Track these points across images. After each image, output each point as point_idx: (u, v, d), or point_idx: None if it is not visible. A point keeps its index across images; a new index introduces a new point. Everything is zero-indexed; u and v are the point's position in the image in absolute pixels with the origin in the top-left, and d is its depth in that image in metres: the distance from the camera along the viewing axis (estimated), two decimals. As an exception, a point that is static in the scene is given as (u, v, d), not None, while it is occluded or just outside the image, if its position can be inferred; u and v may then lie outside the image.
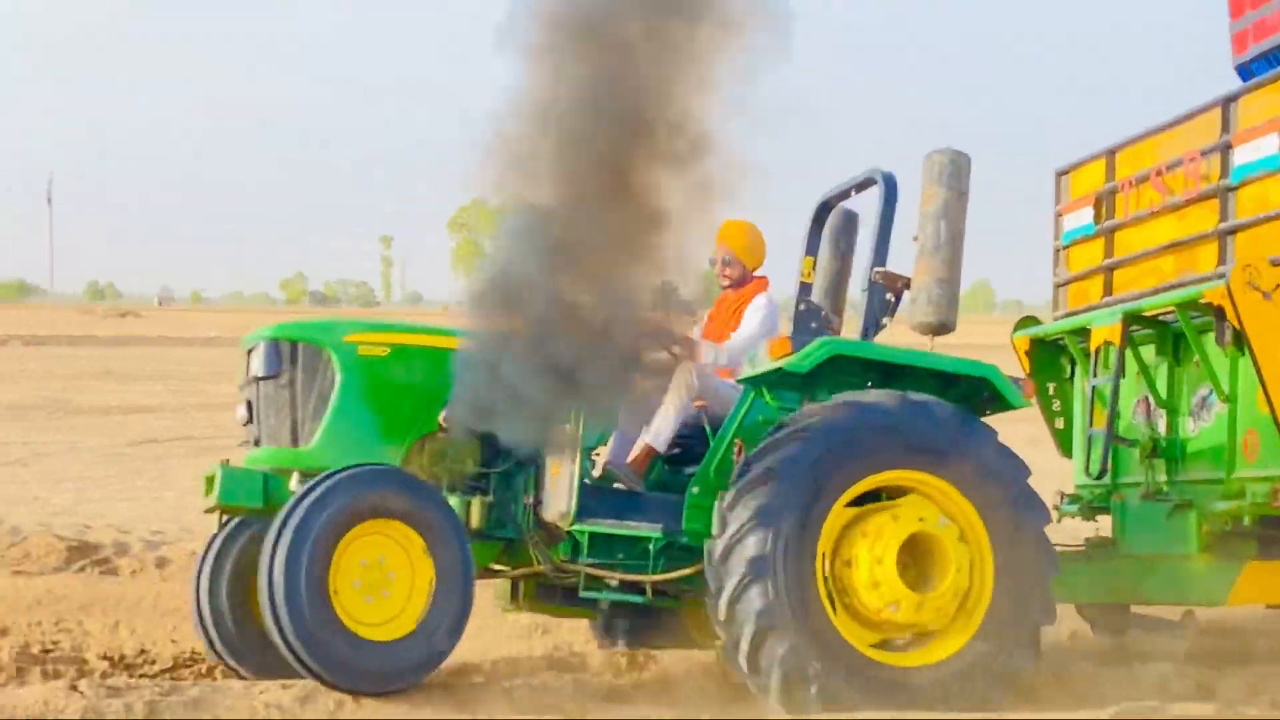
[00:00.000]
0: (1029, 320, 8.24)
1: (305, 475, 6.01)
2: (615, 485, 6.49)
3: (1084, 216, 7.94)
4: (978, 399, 6.33)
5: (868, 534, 5.93)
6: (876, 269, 6.54)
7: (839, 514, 5.93)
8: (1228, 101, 6.89)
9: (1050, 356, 7.98)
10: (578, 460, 6.12)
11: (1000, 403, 6.32)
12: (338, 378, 6.21)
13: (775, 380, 6.33)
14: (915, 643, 6.01)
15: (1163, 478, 7.04)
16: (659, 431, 6.53)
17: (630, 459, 6.54)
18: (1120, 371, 6.98)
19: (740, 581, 5.74)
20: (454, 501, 6.12)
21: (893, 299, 6.55)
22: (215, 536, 6.69)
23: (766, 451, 5.91)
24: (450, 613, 5.78)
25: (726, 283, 7.05)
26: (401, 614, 5.74)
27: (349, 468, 5.80)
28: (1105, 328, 7.07)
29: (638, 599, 6.38)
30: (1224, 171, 6.83)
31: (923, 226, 6.48)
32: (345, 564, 5.67)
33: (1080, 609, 7.52)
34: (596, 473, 6.56)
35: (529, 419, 6.01)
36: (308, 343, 6.28)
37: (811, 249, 7.30)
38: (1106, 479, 7.17)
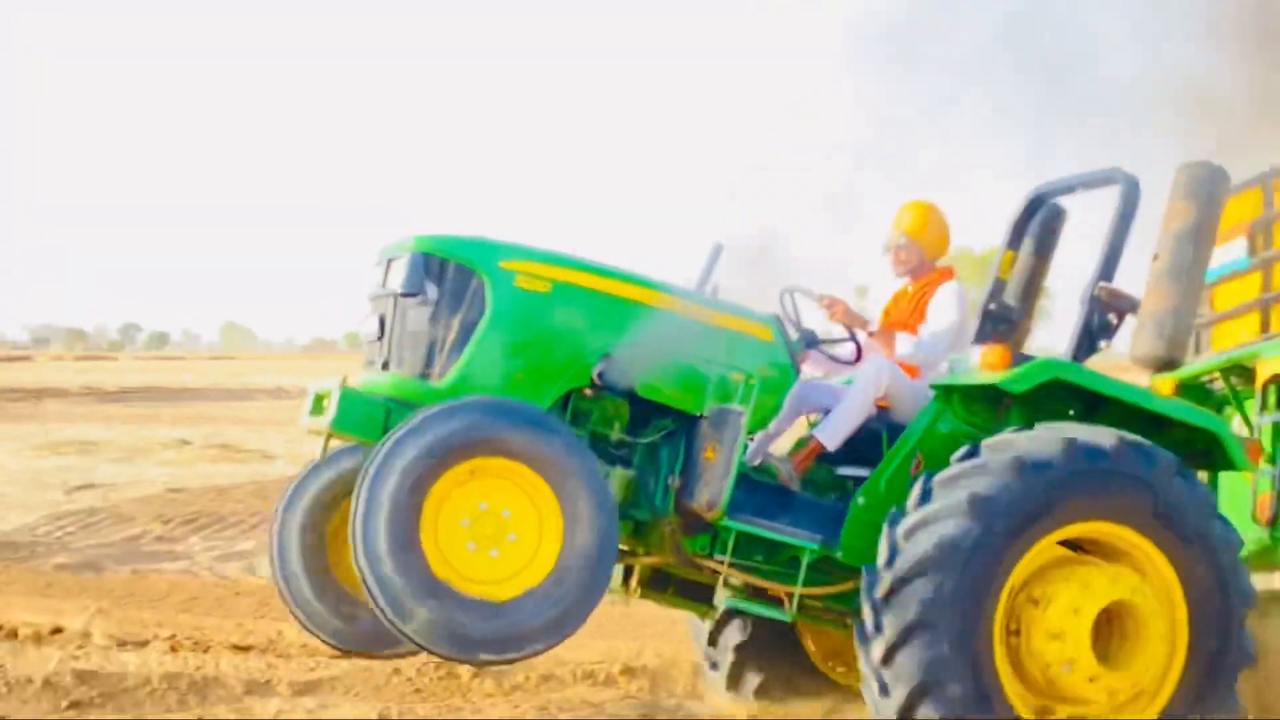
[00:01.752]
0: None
1: None
2: (769, 480, 5.72)
3: (1234, 250, 7.25)
4: (1189, 452, 5.60)
5: (1073, 580, 5.21)
6: (1102, 284, 5.79)
7: (1037, 554, 5.23)
8: None
9: (1198, 399, 7.23)
10: (738, 446, 5.29)
11: (1219, 462, 5.70)
12: (488, 308, 5.29)
13: (971, 392, 5.62)
14: None
15: None
16: (836, 429, 5.79)
17: (795, 455, 5.81)
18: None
19: (907, 627, 4.99)
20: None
21: (1115, 321, 5.81)
22: (310, 470, 5.88)
23: (958, 478, 5.16)
24: (585, 570, 4.85)
25: (901, 270, 6.33)
26: (525, 570, 4.84)
27: (462, 399, 4.93)
28: (1274, 358, 6.54)
29: (778, 615, 5.64)
30: None
31: (1165, 246, 5.77)
32: (450, 510, 4.79)
33: None
34: (756, 462, 5.79)
35: (696, 386, 5.37)
36: (460, 263, 5.33)
37: (1014, 243, 6.48)
38: (1277, 528, 6.46)
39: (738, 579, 5.72)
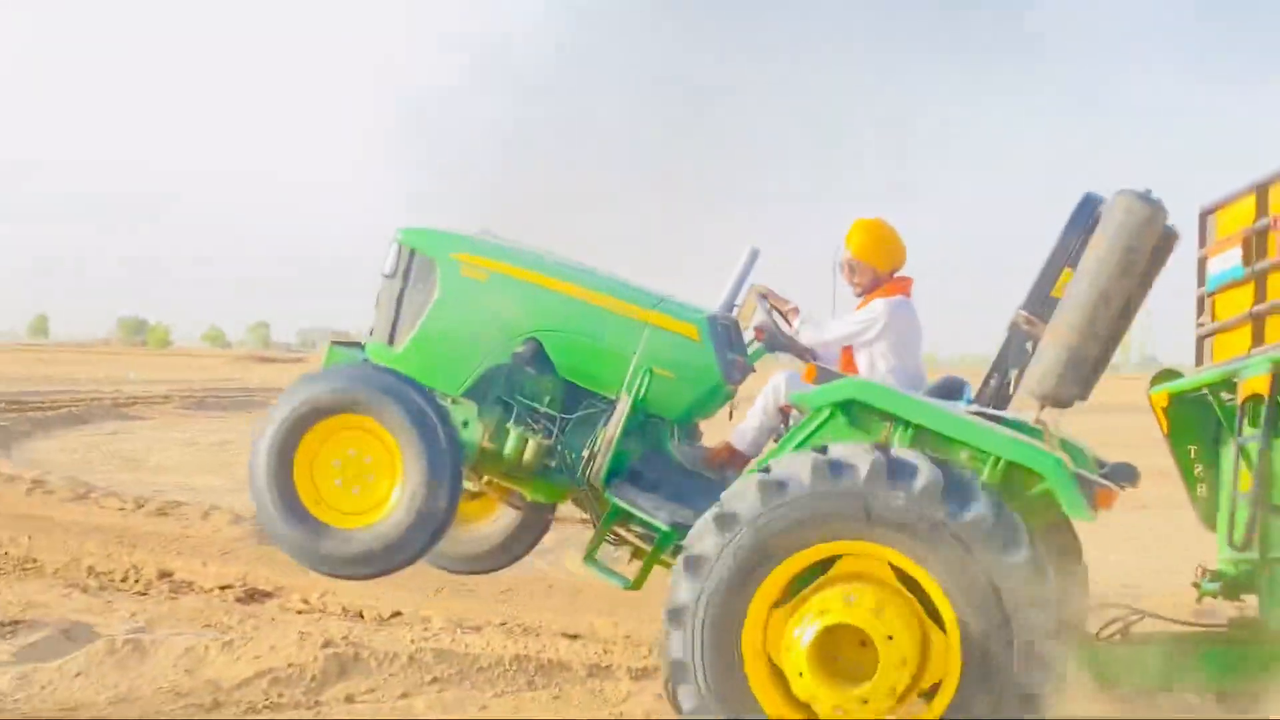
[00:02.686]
0: (1168, 374, 7.05)
1: None
2: (692, 467, 6.23)
3: (1232, 259, 6.79)
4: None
5: (813, 600, 5.38)
6: (1022, 310, 5.87)
7: (797, 568, 5.40)
8: None
9: (1193, 414, 6.78)
10: (621, 420, 6.02)
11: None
12: (437, 291, 6.32)
13: (850, 407, 5.72)
14: None
15: None
16: (743, 433, 6.25)
17: (712, 448, 6.30)
18: (1273, 428, 5.98)
19: (670, 613, 5.43)
20: (515, 432, 6.15)
21: (1031, 350, 5.81)
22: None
23: (732, 492, 5.46)
24: (416, 509, 5.83)
25: (857, 290, 6.52)
26: (377, 506, 5.90)
27: (309, 375, 6.09)
28: (1255, 378, 6.09)
29: (618, 581, 6.26)
30: None
31: (1075, 279, 5.70)
32: (327, 452, 5.94)
33: None
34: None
35: (613, 373, 6.07)
36: (421, 252, 6.40)
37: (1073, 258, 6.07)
38: (1253, 552, 6.08)
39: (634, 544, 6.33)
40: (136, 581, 10.17)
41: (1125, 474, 6.07)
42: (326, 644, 7.43)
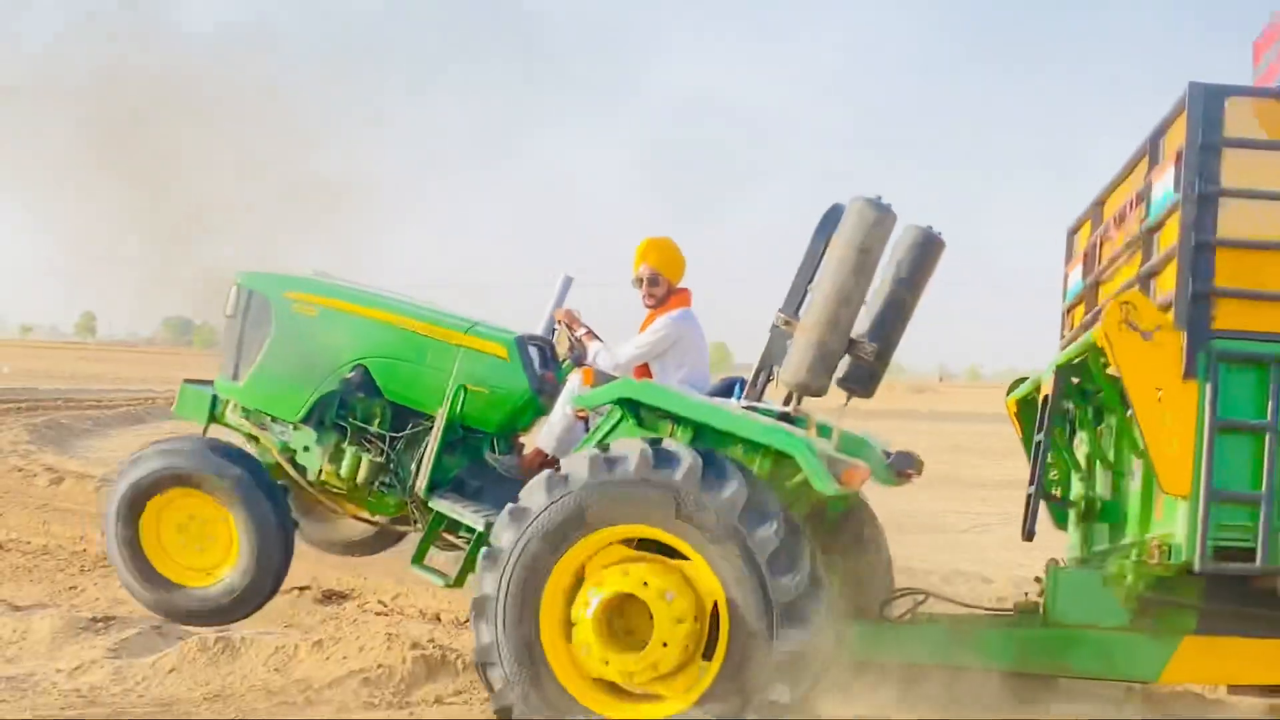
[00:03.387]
0: (1019, 381, 7.64)
1: (238, 407, 7.09)
2: (504, 473, 6.80)
3: (1076, 275, 7.46)
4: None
5: (591, 579, 5.93)
6: (780, 312, 6.37)
7: (586, 554, 5.93)
8: (1155, 137, 6.26)
9: (1029, 417, 7.33)
10: (438, 434, 6.64)
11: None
12: (273, 328, 6.99)
13: (640, 408, 6.23)
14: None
15: (1104, 544, 6.58)
16: (547, 434, 6.81)
17: (524, 456, 6.86)
18: (1053, 427, 6.59)
19: (474, 607, 6.01)
20: (350, 453, 6.78)
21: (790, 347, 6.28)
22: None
23: (527, 489, 6.01)
24: (257, 566, 6.73)
25: (652, 301, 7.04)
26: (222, 563, 6.83)
27: (156, 444, 6.94)
28: (1048, 382, 6.63)
29: (439, 580, 6.75)
30: (1146, 211, 6.22)
31: (818, 279, 6.22)
32: (170, 516, 6.86)
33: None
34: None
35: (433, 393, 6.74)
36: (259, 293, 7.07)
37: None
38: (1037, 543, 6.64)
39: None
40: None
41: (907, 461, 6.70)
42: (414, 645, 7.64)
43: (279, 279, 7.12)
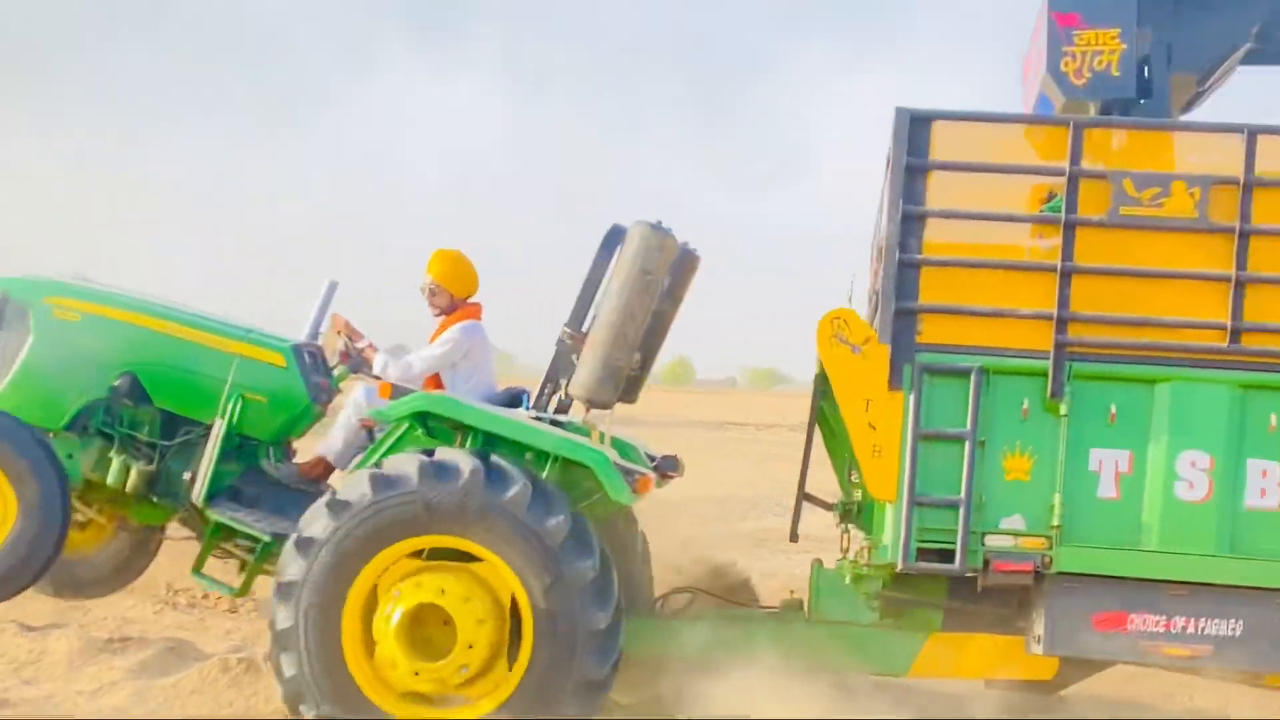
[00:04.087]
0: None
1: None
2: (284, 480, 6.88)
3: None
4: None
5: (391, 591, 6.06)
6: (566, 327, 6.68)
7: (382, 569, 6.07)
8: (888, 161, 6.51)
9: None
10: (217, 443, 6.58)
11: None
12: (30, 335, 6.77)
13: (428, 419, 6.44)
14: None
15: (864, 542, 6.87)
16: (329, 443, 6.93)
17: (304, 463, 6.97)
18: (817, 428, 6.92)
19: (275, 595, 6.08)
20: (118, 461, 6.66)
21: (576, 361, 6.58)
22: None
23: (346, 483, 6.14)
24: (34, 540, 6.34)
25: (436, 311, 7.25)
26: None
27: None
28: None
29: (226, 590, 6.83)
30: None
31: (603, 298, 6.53)
32: None
33: None
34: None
35: (207, 400, 6.65)
36: (15, 298, 6.84)
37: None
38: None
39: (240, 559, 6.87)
40: (220, 599, 9.85)
41: (670, 464, 7.02)
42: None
43: (37, 283, 6.89)
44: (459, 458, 6.06)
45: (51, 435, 6.69)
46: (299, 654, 6.01)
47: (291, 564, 6.04)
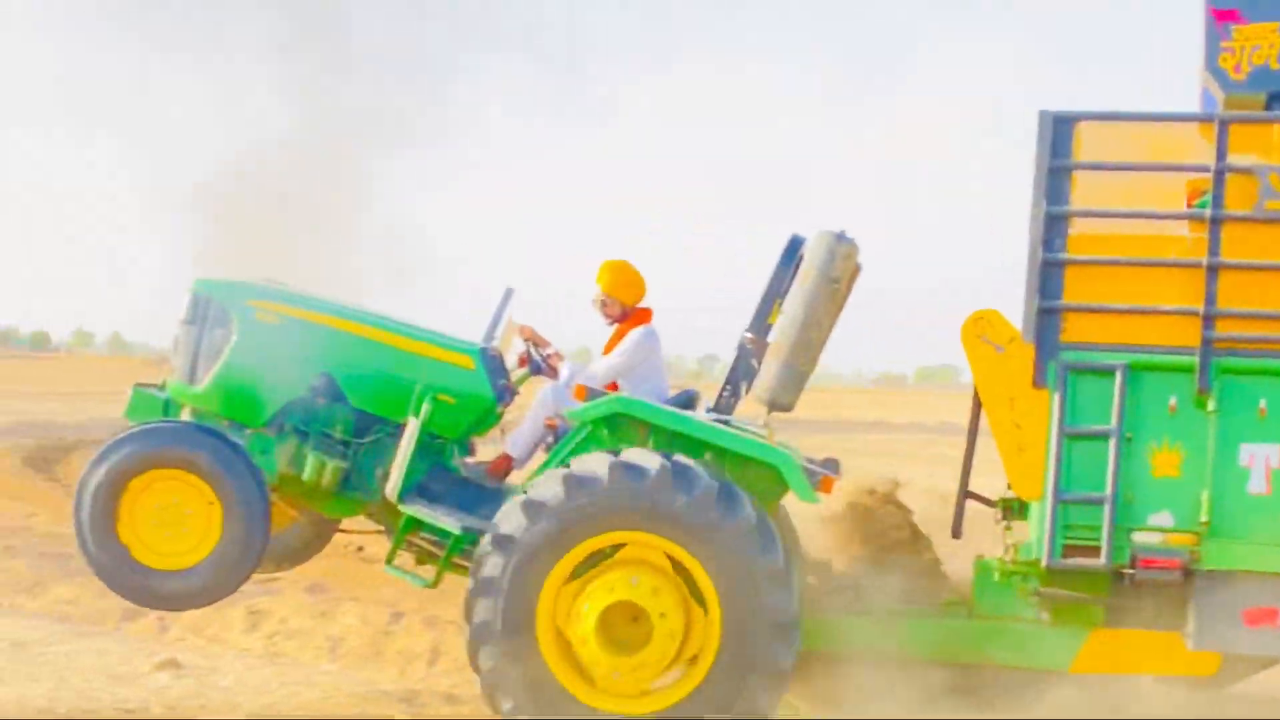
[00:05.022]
0: None
1: (194, 411, 7.07)
2: (471, 477, 7.15)
3: None
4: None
5: (598, 581, 6.30)
6: (747, 332, 6.93)
7: (583, 557, 6.29)
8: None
9: None
10: (412, 441, 6.83)
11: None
12: (235, 334, 7.06)
13: (612, 420, 6.67)
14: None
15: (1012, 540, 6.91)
16: (516, 443, 7.24)
17: (489, 461, 7.26)
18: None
19: (471, 592, 6.32)
20: (313, 457, 6.89)
21: (758, 365, 6.84)
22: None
23: (538, 483, 6.37)
24: (240, 547, 6.62)
25: (608, 320, 7.55)
26: (197, 547, 6.65)
27: (137, 426, 6.74)
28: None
29: (420, 582, 7.08)
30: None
31: (787, 305, 6.75)
32: (146, 500, 6.63)
33: None
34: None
35: (399, 400, 6.94)
36: (217, 300, 7.14)
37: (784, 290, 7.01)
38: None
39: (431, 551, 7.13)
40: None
41: (832, 466, 7.06)
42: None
43: (239, 286, 7.19)
44: (646, 458, 6.29)
45: (249, 432, 7.00)
46: (496, 648, 6.23)
47: (488, 561, 6.27)
